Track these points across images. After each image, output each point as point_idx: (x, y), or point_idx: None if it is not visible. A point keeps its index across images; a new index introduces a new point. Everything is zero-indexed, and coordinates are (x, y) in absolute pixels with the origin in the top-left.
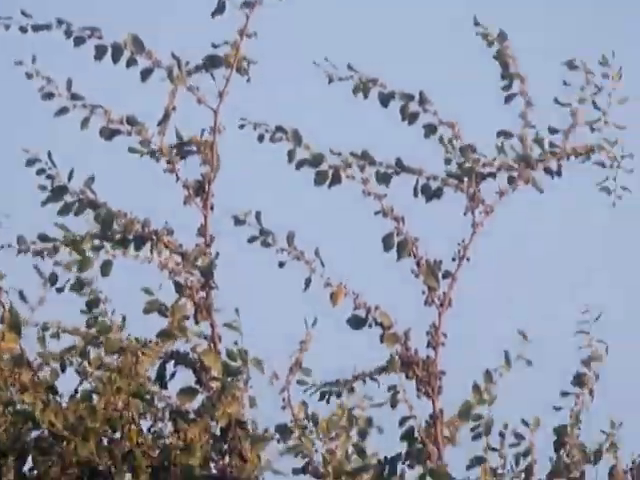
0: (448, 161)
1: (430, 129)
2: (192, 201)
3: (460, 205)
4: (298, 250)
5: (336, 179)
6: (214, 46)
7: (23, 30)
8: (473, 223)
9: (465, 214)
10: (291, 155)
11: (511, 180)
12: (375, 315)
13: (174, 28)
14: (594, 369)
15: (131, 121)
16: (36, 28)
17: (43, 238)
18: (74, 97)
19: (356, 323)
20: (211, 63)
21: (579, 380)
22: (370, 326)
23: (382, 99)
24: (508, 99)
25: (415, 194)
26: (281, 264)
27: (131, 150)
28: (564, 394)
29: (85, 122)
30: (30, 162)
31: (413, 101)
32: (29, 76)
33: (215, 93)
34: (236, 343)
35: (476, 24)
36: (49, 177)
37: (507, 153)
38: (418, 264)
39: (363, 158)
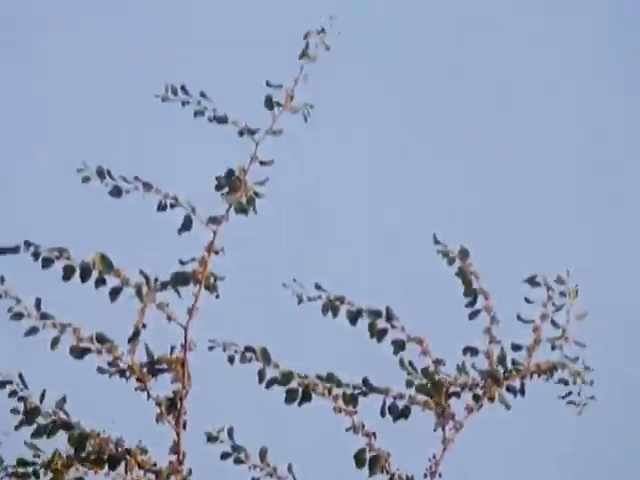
0: (410, 383)
1: (399, 345)
2: (164, 419)
3: (430, 418)
4: (271, 466)
5: (306, 397)
6: (182, 263)
7: None
8: (444, 439)
9: (435, 430)
10: (261, 375)
11: (476, 398)
12: None
13: (143, 245)
14: None
15: (101, 339)
16: (3, 251)
17: (22, 463)
18: (43, 317)
19: None
20: (179, 280)
21: None
22: None
23: (350, 317)
24: (472, 315)
25: (382, 414)
26: None
27: (100, 370)
28: None
29: (55, 342)
30: (1, 385)
31: (380, 318)
32: None
33: (184, 309)
34: None
35: (436, 242)
36: (21, 399)
37: (469, 372)
38: None
39: (329, 380)
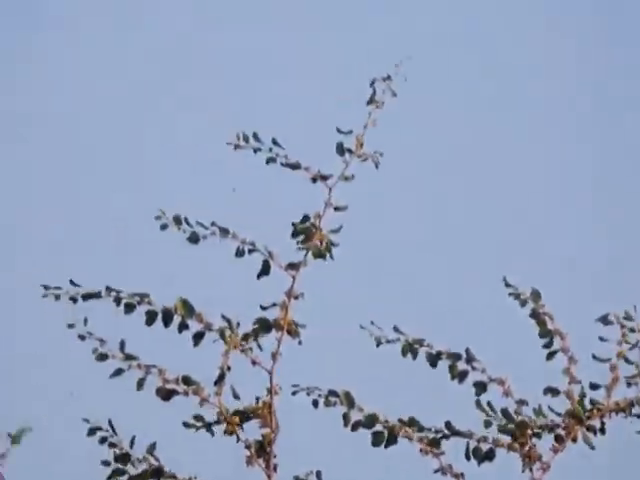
0: (488, 424)
1: (480, 387)
2: (255, 461)
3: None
4: None
5: (392, 440)
6: (262, 308)
7: (73, 300)
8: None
9: (523, 471)
10: (346, 418)
11: (559, 438)
12: None
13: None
14: None
15: (187, 381)
16: (86, 297)
17: None
18: (128, 357)
19: None
20: (262, 328)
21: None
22: None
23: (430, 360)
24: (550, 356)
25: (467, 457)
26: None
27: (186, 425)
28: None
29: (141, 383)
30: (91, 431)
31: (460, 360)
32: (82, 338)
33: (269, 354)
34: None
35: (507, 285)
36: (112, 445)
37: (546, 414)
38: None
39: (411, 424)
